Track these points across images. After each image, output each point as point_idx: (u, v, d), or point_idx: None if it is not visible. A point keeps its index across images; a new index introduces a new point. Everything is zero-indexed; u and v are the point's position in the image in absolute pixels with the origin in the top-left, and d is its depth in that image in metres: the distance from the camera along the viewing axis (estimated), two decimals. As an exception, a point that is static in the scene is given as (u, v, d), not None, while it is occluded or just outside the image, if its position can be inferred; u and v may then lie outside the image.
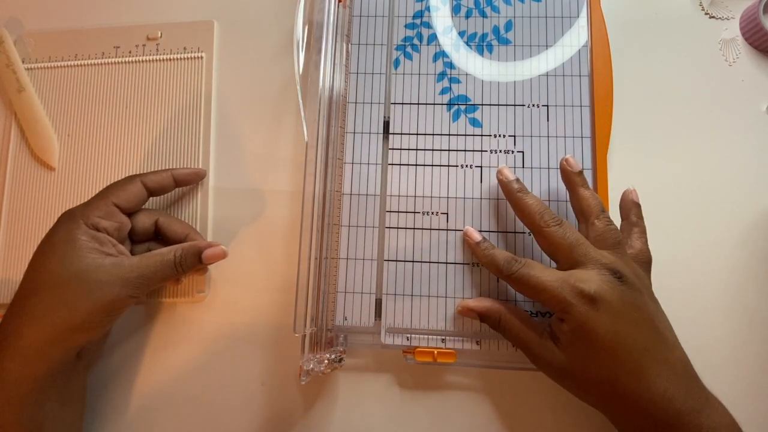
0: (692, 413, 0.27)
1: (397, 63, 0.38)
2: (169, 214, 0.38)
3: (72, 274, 0.30)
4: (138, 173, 0.35)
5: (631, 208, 0.33)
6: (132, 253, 0.35)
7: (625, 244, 0.32)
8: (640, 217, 0.33)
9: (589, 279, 0.28)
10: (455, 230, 0.36)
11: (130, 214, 0.35)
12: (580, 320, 0.28)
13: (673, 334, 0.30)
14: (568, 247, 0.30)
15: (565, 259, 0.30)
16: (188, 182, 0.38)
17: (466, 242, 0.34)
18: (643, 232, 0.33)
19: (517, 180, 0.33)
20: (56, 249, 0.31)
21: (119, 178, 0.35)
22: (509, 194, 0.33)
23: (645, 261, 0.31)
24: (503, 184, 0.33)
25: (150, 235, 0.36)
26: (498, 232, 0.35)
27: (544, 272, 0.29)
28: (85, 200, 0.34)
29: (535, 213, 0.31)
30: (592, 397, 0.30)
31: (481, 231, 0.35)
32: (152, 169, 0.37)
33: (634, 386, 0.27)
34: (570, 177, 0.33)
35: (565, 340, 0.29)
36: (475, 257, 0.34)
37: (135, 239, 0.36)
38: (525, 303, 0.34)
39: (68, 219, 0.32)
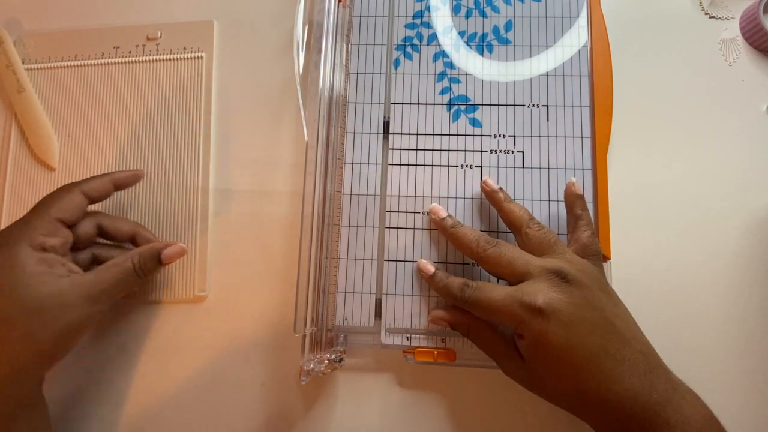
0: (657, 407, 0.26)
1: (397, 63, 0.38)
2: (107, 213, 0.36)
3: (29, 305, 0.28)
4: (75, 182, 0.33)
5: (574, 200, 0.33)
6: (76, 263, 0.32)
7: (570, 239, 0.32)
8: (584, 209, 0.32)
9: (536, 290, 0.28)
10: (455, 230, 0.36)
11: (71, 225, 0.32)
12: (535, 334, 0.28)
13: (632, 324, 0.29)
14: (508, 263, 0.30)
15: (510, 276, 0.30)
16: (128, 185, 0.35)
17: (422, 276, 0.34)
18: (589, 223, 0.32)
19: (450, 216, 0.34)
20: (3, 281, 0.29)
21: None
22: (444, 231, 0.34)
23: (593, 253, 0.31)
24: (436, 222, 0.34)
25: (92, 240, 0.34)
26: (498, 231, 0.35)
27: (494, 291, 0.30)
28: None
29: (471, 242, 0.31)
30: (561, 403, 0.30)
31: (481, 231, 0.35)
32: (153, 171, 0.37)
33: (598, 389, 0.27)
34: (492, 196, 0.33)
35: (527, 355, 0.29)
36: (432, 289, 0.34)
37: (76, 247, 0.33)
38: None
39: (11, 244, 0.29)
